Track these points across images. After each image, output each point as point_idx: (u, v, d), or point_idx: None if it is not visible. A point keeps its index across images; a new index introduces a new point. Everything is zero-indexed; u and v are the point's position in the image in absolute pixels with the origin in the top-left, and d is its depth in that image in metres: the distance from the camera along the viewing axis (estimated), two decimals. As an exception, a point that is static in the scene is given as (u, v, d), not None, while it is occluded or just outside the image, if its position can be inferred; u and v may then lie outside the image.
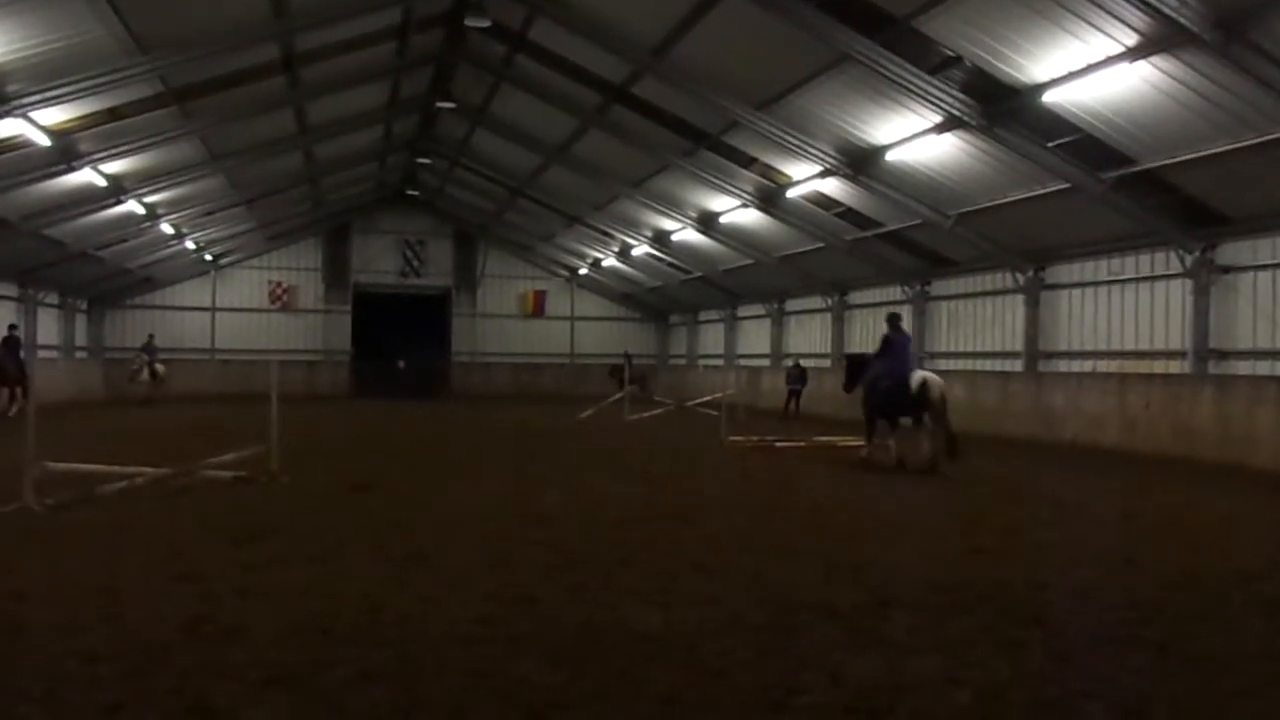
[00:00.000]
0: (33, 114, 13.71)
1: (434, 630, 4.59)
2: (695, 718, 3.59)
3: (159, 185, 20.11)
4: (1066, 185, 14.53)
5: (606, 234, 29.00)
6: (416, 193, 32.40)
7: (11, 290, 23.52)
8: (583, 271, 34.91)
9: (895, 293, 22.31)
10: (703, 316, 34.17)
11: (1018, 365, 18.50)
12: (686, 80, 15.96)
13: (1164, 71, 11.12)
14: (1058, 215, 15.77)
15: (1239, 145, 11.86)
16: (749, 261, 25.32)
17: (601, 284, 35.77)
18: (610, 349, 33.64)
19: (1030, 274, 18.12)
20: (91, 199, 19.15)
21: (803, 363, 23.72)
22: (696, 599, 5.22)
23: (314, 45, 15.98)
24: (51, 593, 5.18)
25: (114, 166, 17.89)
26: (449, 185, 30.71)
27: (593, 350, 35.20)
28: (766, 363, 28.38)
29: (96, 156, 16.74)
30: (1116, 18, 10.45)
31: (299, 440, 12.79)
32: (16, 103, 13.01)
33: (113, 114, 15.52)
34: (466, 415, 22.85)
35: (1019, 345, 18.54)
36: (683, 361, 35.59)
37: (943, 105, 13.53)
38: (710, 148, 19.16)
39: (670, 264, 29.30)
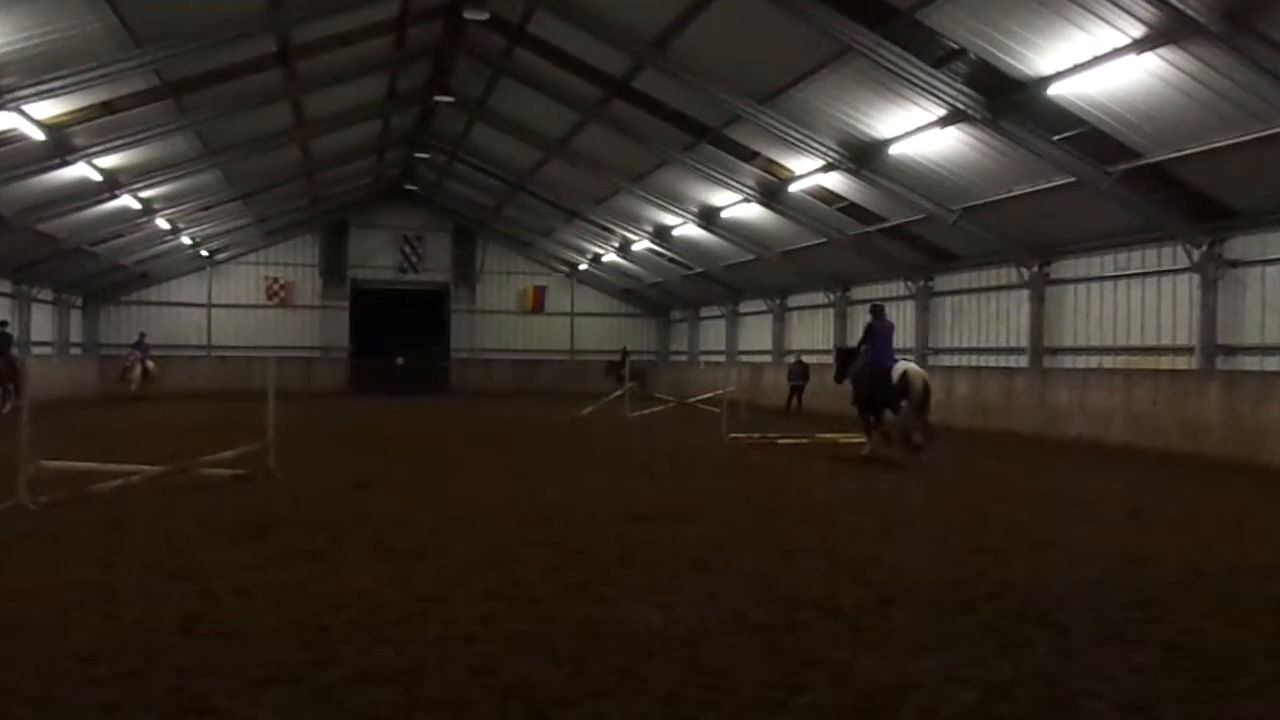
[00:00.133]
0: (26, 107, 13.69)
1: (434, 628, 4.60)
2: (696, 717, 3.59)
3: (154, 180, 20.09)
4: (1072, 179, 14.51)
5: (607, 229, 28.98)
6: (415, 188, 32.38)
7: (5, 286, 23.52)
8: (583, 267, 34.89)
9: (899, 288, 22.30)
10: (704, 312, 34.16)
11: (1022, 361, 18.50)
12: (687, 73, 15.94)
13: (1171, 63, 11.10)
14: (1063, 209, 15.75)
15: (1247, 138, 11.83)
16: (751, 257, 25.30)
17: (602, 279, 35.75)
18: (610, 345, 33.64)
19: (1035, 269, 18.11)
20: (86, 194, 19.14)
21: (805, 359, 23.71)
22: (698, 597, 5.22)
23: (311, 38, 15.96)
24: (47, 591, 5.18)
25: (109, 161, 17.88)
26: (447, 180, 30.69)
27: (593, 346, 35.21)
28: (768, 359, 28.38)
29: (91, 151, 16.73)
30: (1122, 9, 10.43)
31: (297, 437, 12.79)
32: (10, 96, 12.99)
33: (107, 108, 15.50)
34: (465, 412, 22.84)
35: (1023, 341, 18.53)
36: (684, 358, 35.59)
37: (946, 98, 13.51)
38: (712, 142, 19.14)
39: (671, 259, 29.29)
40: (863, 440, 12.85)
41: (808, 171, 18.27)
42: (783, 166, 19.02)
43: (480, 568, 5.89)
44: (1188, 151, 12.73)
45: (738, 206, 21.94)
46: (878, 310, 12.83)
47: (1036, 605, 5.20)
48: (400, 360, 34.06)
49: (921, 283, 21.58)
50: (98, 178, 18.27)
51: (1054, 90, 12.34)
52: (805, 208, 20.58)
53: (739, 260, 26.23)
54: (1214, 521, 8.24)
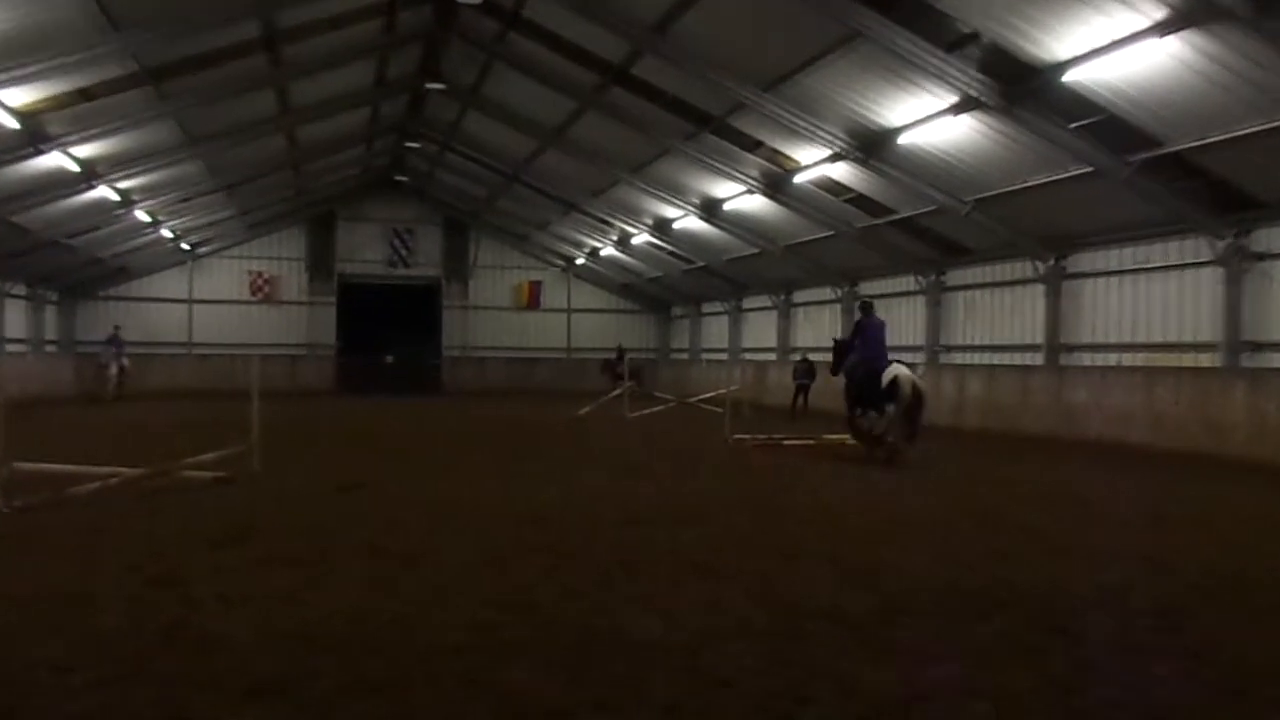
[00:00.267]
0: (-1, 94, 13.69)
1: (425, 637, 4.60)
2: (700, 729, 3.59)
3: (133, 170, 20.07)
4: (1090, 169, 14.50)
5: (605, 222, 28.97)
6: (405, 178, 32.35)
7: (-23, 281, 23.53)
8: (580, 261, 34.88)
9: (908, 283, 22.30)
10: (706, 308, 34.17)
11: (1038, 359, 18.50)
12: (689, 60, 15.92)
13: (1193, 47, 11.08)
14: (1080, 200, 15.74)
15: (1273, 125, 11.81)
16: (754, 251, 25.29)
17: (599, 274, 35.75)
18: (609, 343, 33.64)
19: (1051, 263, 18.10)
20: (62, 184, 19.11)
21: (811, 357, 23.71)
22: (699, 604, 5.22)
23: (297, 22, 15.94)
24: (22, 598, 5.18)
25: (85, 150, 17.84)
26: (439, 170, 30.67)
27: (590, 344, 35.21)
28: (773, 357, 28.39)
29: (67, 139, 16.69)
30: (1143, -9, 10.42)
31: (282, 438, 12.81)
32: (-18, 83, 12.99)
33: (84, 95, 15.47)
34: (458, 412, 22.85)
35: (1039, 338, 18.53)
36: (685, 356, 35.59)
37: (959, 85, 13.49)
38: (714, 131, 19.12)
39: (672, 253, 29.28)
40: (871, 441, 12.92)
41: (814, 162, 18.25)
42: (788, 156, 19.00)
43: (473, 573, 5.89)
44: (1211, 139, 12.70)
45: (741, 198, 21.92)
46: (867, 307, 13.40)
47: (1052, 612, 5.20)
48: (390, 358, 34.04)
49: (932, 277, 21.58)
50: (74, 168, 18.25)
51: (1071, 76, 12.32)
52: (811, 199, 20.57)
53: (742, 254, 26.20)
54: (1238, 525, 8.25)
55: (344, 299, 34.06)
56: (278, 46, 16.63)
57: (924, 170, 16.88)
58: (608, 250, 31.85)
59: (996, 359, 19.81)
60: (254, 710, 3.68)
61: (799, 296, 27.70)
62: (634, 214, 26.94)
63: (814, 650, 4.48)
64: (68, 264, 26.36)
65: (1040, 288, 18.48)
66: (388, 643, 4.50)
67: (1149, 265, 16.29)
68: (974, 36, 12.76)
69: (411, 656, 4.31)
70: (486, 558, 6.33)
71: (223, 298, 32.81)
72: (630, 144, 21.40)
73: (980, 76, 13.28)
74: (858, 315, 13.36)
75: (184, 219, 27.09)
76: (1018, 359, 19.21)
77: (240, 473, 9.59)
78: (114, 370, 25.92)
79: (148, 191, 22.30)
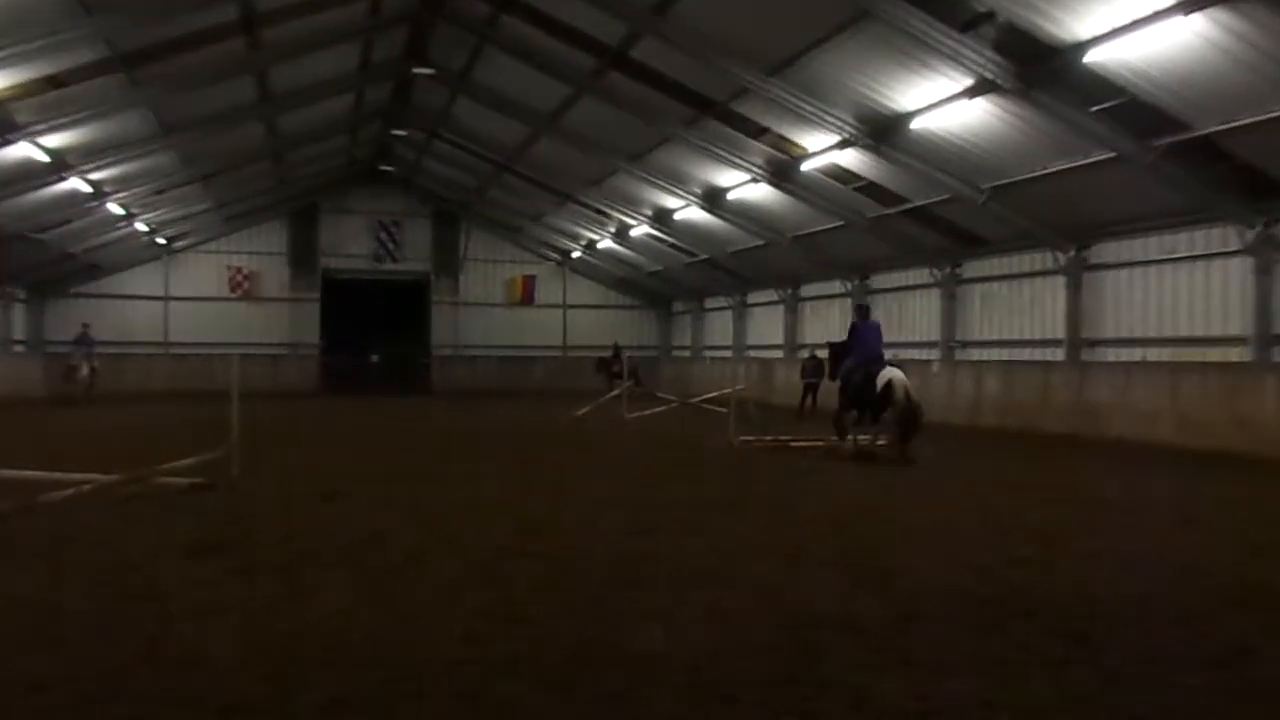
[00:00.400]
0: (-37, 82, 13.69)
1: (414, 651, 4.59)
2: (704, 746, 3.59)
3: (105, 161, 20.07)
4: (1112, 154, 14.50)
5: (602, 213, 28.97)
6: (391, 168, 32.37)
7: (-60, 278, 23.52)
8: (576, 255, 34.90)
9: (922, 275, 22.31)
10: (709, 304, 34.18)
11: (1059, 355, 18.51)
12: (689, 42, 15.91)
13: (1220, 25, 11.08)
14: (1102, 188, 15.74)
15: (1304, 108, 11.83)
16: (760, 242, 25.30)
17: (597, 268, 35.76)
18: (606, 340, 33.60)
19: (1072, 253, 18.11)
20: (30, 176, 19.11)
21: (820, 354, 23.70)
22: (703, 614, 5.22)
23: (276, 4, 15.94)
24: (-11, 613, 5.18)
25: (55, 140, 17.84)
26: (427, 160, 30.67)
27: (587, 341, 35.22)
28: (779, 354, 28.39)
29: (35, 129, 16.70)
30: (1168, -33, 10.41)
31: (263, 442, 12.81)
32: (-55, 70, 12.98)
33: (53, 82, 15.47)
34: (448, 413, 22.85)
35: (1060, 332, 18.54)
36: (687, 353, 35.60)
37: (974, 67, 13.48)
38: (716, 117, 19.12)
39: (672, 246, 29.29)
40: (882, 442, 12.99)
41: (821, 148, 18.26)
42: (794, 143, 19.00)
43: (464, 584, 5.89)
44: (1239, 122, 12.71)
45: (745, 187, 21.93)
46: (862, 310, 14.16)
47: (1075, 621, 5.20)
48: (376, 358, 34.07)
49: (947, 269, 21.59)
50: (43, 158, 18.25)
51: (1091, 56, 12.32)
52: (819, 188, 20.57)
53: (747, 246, 26.22)
54: (1269, 527, 8.25)
55: (327, 295, 34.09)
56: (256, 29, 16.62)
57: (937, 157, 16.87)
58: (605, 243, 31.85)
59: (1014, 355, 19.82)
60: (234, 729, 3.67)
61: (807, 290, 27.71)
62: (633, 205, 26.94)
63: (823, 662, 4.48)
64: (37, 260, 26.36)
65: (1060, 280, 18.48)
66: (374, 657, 4.49)
67: (1174, 255, 16.29)
68: (989, 16, 12.75)
69: (400, 671, 4.30)
70: (478, 567, 6.32)
71: (200, 295, 32.83)
72: (628, 131, 21.39)
73: (996, 58, 13.28)
74: (853, 318, 13.96)
75: (159, 212, 27.11)
76: (1037, 355, 19.22)
77: (219, 479, 9.58)
78: (85, 371, 25.77)
79: (121, 183, 22.30)
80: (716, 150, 20.46)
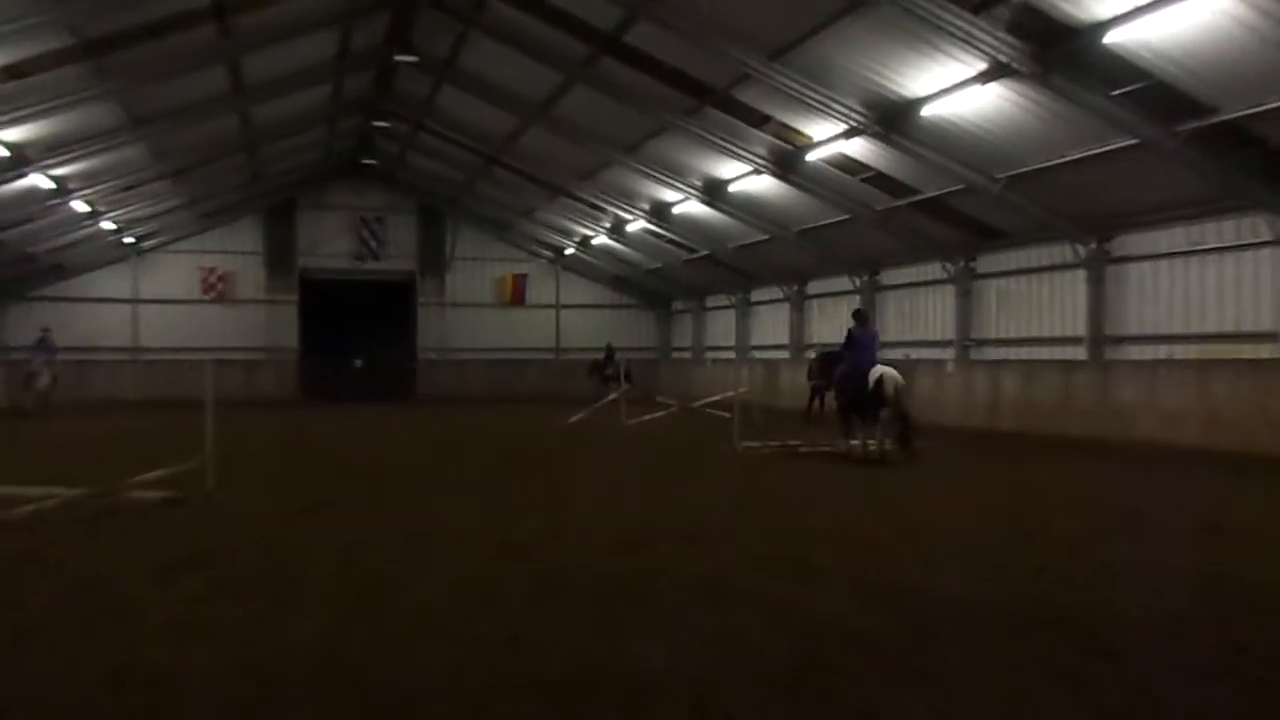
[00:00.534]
0: (-83, 74, 13.66)
1: (400, 674, 4.58)
2: (709, 772, 3.57)
3: (69, 155, 20.03)
4: (1134, 141, 14.51)
5: (596, 207, 28.98)
6: (373, 162, 32.35)
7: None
8: (569, 252, 34.89)
9: (935, 270, 22.33)
10: (710, 302, 34.19)
11: (1081, 353, 18.52)
12: (687, 26, 15.91)
13: (1248, 3, 11.09)
14: (1124, 176, 15.76)
15: (1337, 90, 11.84)
16: (763, 237, 25.30)
17: (591, 266, 35.75)
18: (602, 342, 33.62)
19: (1093, 246, 18.12)
20: (-11, 173, 19.10)
21: (828, 354, 23.72)
22: (707, 632, 5.22)
23: (249, -11, 15.93)
24: (-51, 637, 5.16)
25: (14, 133, 17.82)
26: (411, 153, 30.66)
27: (582, 343, 35.24)
28: (785, 355, 28.40)
29: (-6, 123, 16.70)
30: (1191, -57, 10.42)
31: (239, 453, 12.76)
32: (-102, 61, 12.95)
33: (12, 71, 15.44)
34: (435, 421, 22.83)
35: (1081, 329, 18.55)
36: (688, 355, 35.61)
37: (988, 50, 13.49)
38: (716, 105, 19.12)
39: (671, 241, 29.29)
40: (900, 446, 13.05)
41: (828, 137, 18.27)
42: (799, 132, 19.01)
43: (453, 603, 5.88)
44: (1268, 105, 12.72)
45: (747, 179, 21.94)
46: (861, 316, 14.77)
47: (1100, 635, 5.20)
48: (358, 362, 34.03)
49: (962, 264, 21.60)
50: (2, 153, 18.21)
51: (1111, 37, 12.33)
52: (825, 179, 20.58)
53: (750, 241, 26.22)
54: (1305, 535, 8.25)
55: (306, 297, 34.05)
56: (229, 16, 16.60)
57: (950, 145, 16.88)
58: (600, 239, 31.85)
59: (1034, 354, 19.83)
60: (209, 758, 3.66)
61: (813, 287, 27.72)
62: (629, 198, 26.94)
63: (835, 681, 4.47)
64: (-4, 261, 26.33)
65: (1081, 274, 18.50)
66: (357, 682, 4.48)
67: (1202, 247, 16.31)
68: (1004, -5, 12.77)
69: (385, 698, 4.29)
70: (467, 585, 6.31)
71: (171, 297, 32.79)
72: (623, 120, 21.39)
73: (1011, 40, 13.29)
74: (850, 324, 14.48)
75: (127, 210, 27.06)
76: (1058, 353, 19.23)
77: (192, 492, 9.56)
78: (45, 380, 25.50)
79: (86, 179, 22.26)
80: (716, 140, 20.46)
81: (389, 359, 34.47)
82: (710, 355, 34.04)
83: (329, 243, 34.26)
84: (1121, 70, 13.24)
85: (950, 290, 22.05)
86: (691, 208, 25.24)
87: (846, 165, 19.65)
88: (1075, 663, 4.73)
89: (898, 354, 22.01)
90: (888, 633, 5.19)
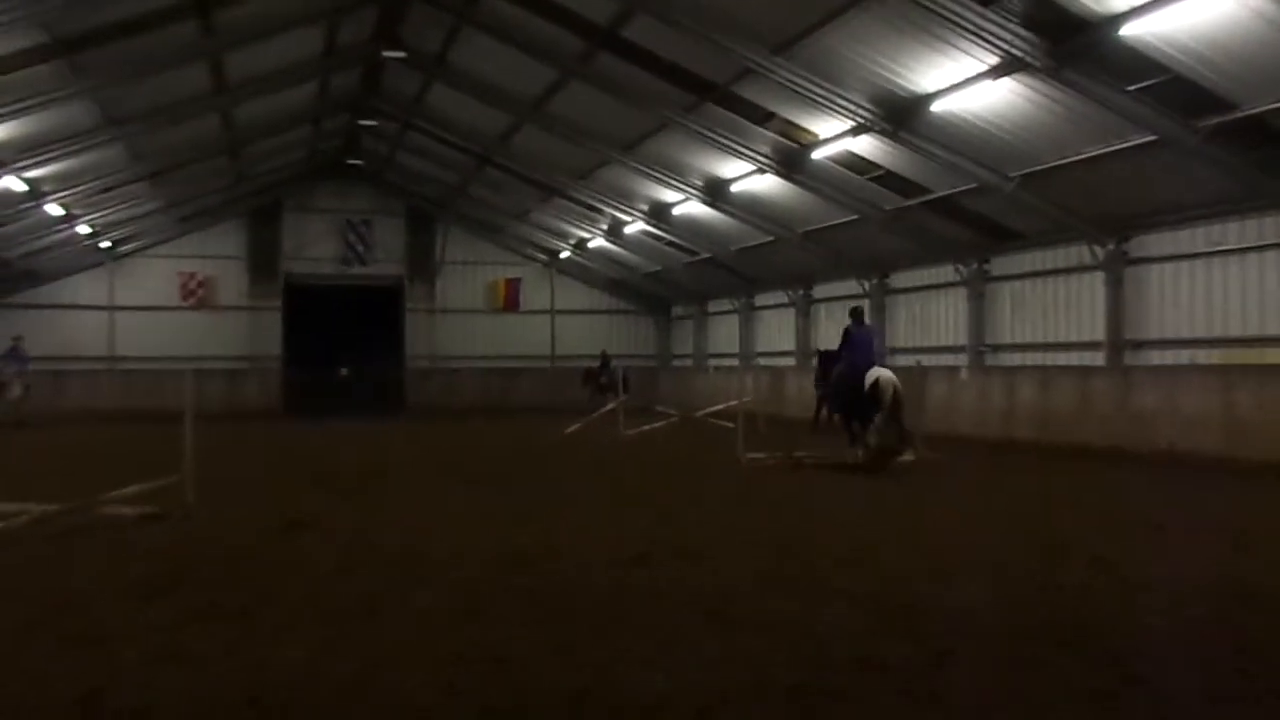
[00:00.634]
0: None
1: (386, 700, 4.56)
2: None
3: (43, 156, 20.03)
4: (1153, 137, 14.54)
5: (593, 209, 29.01)
6: (360, 162, 32.40)
7: None
8: (564, 255, 34.92)
9: (947, 273, 22.34)
10: (712, 307, 34.21)
11: (1099, 359, 18.52)
12: (687, 19, 15.93)
13: (1270, -4, 11.11)
14: (1143, 174, 15.78)
15: (1364, 84, 11.86)
16: (767, 239, 25.33)
17: (587, 270, 35.78)
18: (599, 349, 33.63)
19: (1111, 247, 18.14)
20: (-41, 175, 19.11)
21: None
22: (711, 656, 5.19)
23: (231, -17, 15.97)
24: (-86, 663, 5.13)
25: (-13, 136, 17.85)
26: (399, 153, 30.70)
27: (578, 350, 35.19)
28: (791, 362, 28.40)
29: (-36, 123, 16.72)
30: (1211, -69, 10.44)
31: (219, 468, 12.78)
32: None
33: (-17, 71, 15.47)
34: (424, 433, 22.82)
35: (1100, 334, 18.56)
36: (689, 362, 35.61)
37: (1000, 44, 13.52)
38: (717, 101, 19.15)
39: (671, 244, 29.32)
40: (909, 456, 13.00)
41: (834, 135, 18.29)
42: (803, 129, 19.04)
43: (442, 625, 5.85)
44: (1293, 101, 12.75)
45: (750, 178, 21.96)
46: (857, 314, 15.00)
47: (1122, 654, 5.18)
48: (344, 371, 34.01)
49: (974, 266, 21.61)
50: (-27, 156, 18.25)
51: (1128, 30, 12.35)
52: (832, 178, 20.60)
53: (753, 243, 26.24)
54: (1335, 549, 8.23)
55: (291, 303, 34.04)
56: (210, 11, 16.62)
57: (961, 142, 16.91)
58: (597, 241, 31.87)
59: (1050, 359, 19.83)
60: (187, 792, 3.63)
61: (820, 291, 27.73)
62: (627, 199, 26.97)
63: (847, 707, 4.45)
64: (-34, 267, 26.32)
65: (1099, 276, 18.51)
66: (342, 709, 4.45)
67: (1224, 247, 16.31)
68: (1016, -13, 12.80)
69: (372, 724, 4.26)
70: (458, 607, 6.28)
71: (149, 304, 32.77)
72: (621, 118, 21.43)
73: (1024, 33, 13.31)
74: (847, 323, 14.79)
75: (104, 213, 27.07)
76: (1075, 359, 19.23)
77: (171, 508, 9.53)
78: (16, 391, 25.44)
79: (61, 181, 22.27)
80: (718, 138, 20.49)
81: (376, 367, 34.46)
82: (712, 363, 34.03)
83: (314, 247, 34.28)
84: (1139, 64, 13.27)
85: (963, 293, 22.06)
86: (692, 208, 25.26)
87: (854, 164, 19.67)
88: (1096, 683, 4.71)
89: (908, 360, 22.02)
90: (899, 652, 5.17)
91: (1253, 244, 15.88)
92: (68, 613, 6.14)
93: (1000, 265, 21.31)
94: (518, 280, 36.22)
